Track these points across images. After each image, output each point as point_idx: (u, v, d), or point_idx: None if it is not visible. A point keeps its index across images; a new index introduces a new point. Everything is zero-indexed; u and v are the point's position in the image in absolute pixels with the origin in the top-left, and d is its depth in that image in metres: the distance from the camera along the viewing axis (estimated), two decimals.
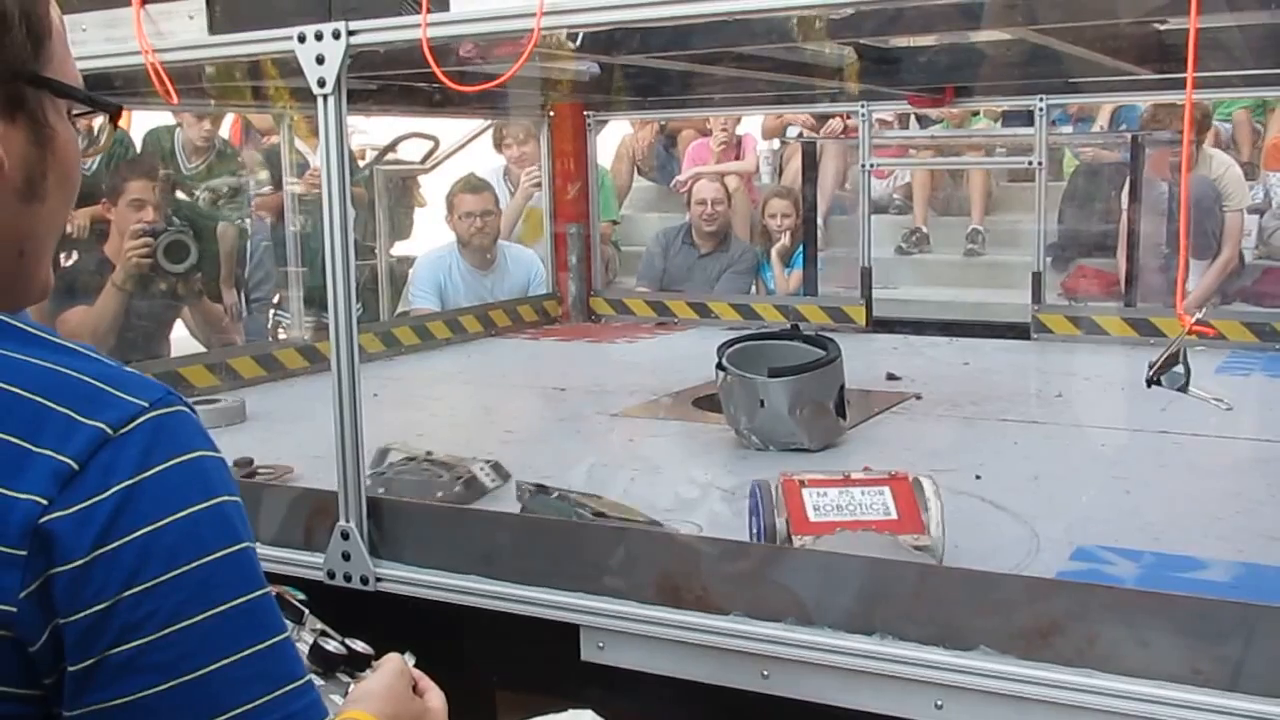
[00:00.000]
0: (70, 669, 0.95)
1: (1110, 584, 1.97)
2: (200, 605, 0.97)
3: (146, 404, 0.99)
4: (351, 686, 1.38)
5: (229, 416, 3.38)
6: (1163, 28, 3.15)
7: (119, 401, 0.98)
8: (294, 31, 2.18)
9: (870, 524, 2.10)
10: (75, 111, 1.10)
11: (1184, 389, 2.62)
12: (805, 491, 2.16)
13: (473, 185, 5.54)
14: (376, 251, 6.00)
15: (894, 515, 2.13)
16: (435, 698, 1.38)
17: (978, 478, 2.65)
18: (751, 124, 8.22)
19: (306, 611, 1.62)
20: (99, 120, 1.15)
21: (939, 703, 1.81)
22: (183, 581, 0.97)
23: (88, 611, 0.94)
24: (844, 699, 1.89)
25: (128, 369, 1.03)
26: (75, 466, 0.95)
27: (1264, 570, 2.07)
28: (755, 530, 2.17)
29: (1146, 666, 1.70)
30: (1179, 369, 2.35)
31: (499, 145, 6.69)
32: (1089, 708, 1.72)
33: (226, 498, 1.02)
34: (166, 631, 0.95)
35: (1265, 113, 7.61)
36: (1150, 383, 2.77)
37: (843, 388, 3.06)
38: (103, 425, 0.97)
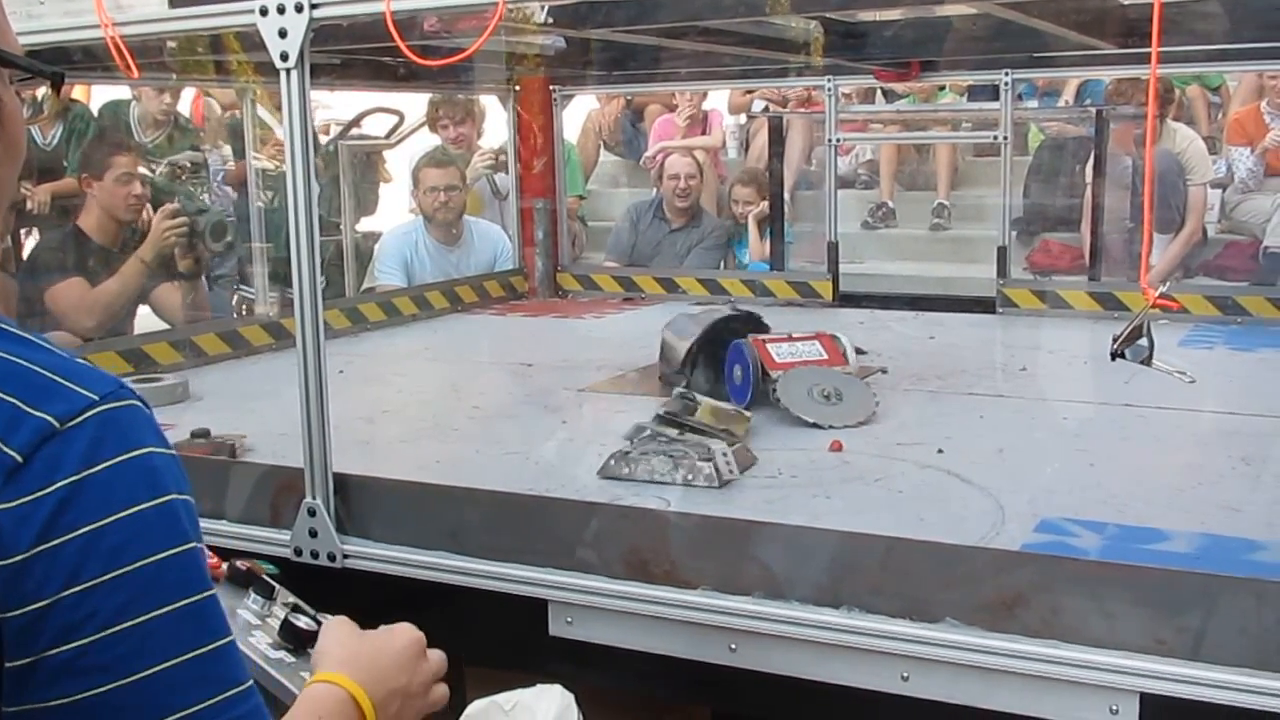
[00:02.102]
0: (9, 666, 0.92)
1: (1074, 556, 1.99)
2: (144, 606, 0.95)
3: (96, 397, 0.96)
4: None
5: (171, 396, 3.34)
6: (1126, 2, 3.16)
7: (69, 393, 0.96)
8: (256, 5, 2.16)
9: (811, 363, 3.11)
10: (17, 79, 1.07)
11: (1148, 362, 2.64)
12: (769, 345, 3.13)
13: (438, 159, 5.51)
14: (342, 227, 5.97)
15: (825, 356, 3.18)
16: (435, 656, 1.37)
17: (940, 451, 2.67)
18: (718, 99, 8.21)
19: (278, 587, 1.61)
20: (43, 89, 1.13)
21: (905, 674, 1.83)
22: (126, 581, 0.94)
23: (27, 609, 0.92)
24: (812, 671, 1.90)
25: (80, 360, 1.01)
26: (19, 459, 0.92)
27: (1226, 541, 2.10)
28: (744, 372, 3.08)
29: (1110, 637, 1.72)
30: (1143, 342, 2.37)
31: (434, 126, 6.58)
32: (1054, 678, 1.73)
33: (176, 495, 0.99)
34: (108, 632, 0.93)
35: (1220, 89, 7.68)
36: (1115, 356, 2.80)
37: None
38: (50, 418, 0.94)
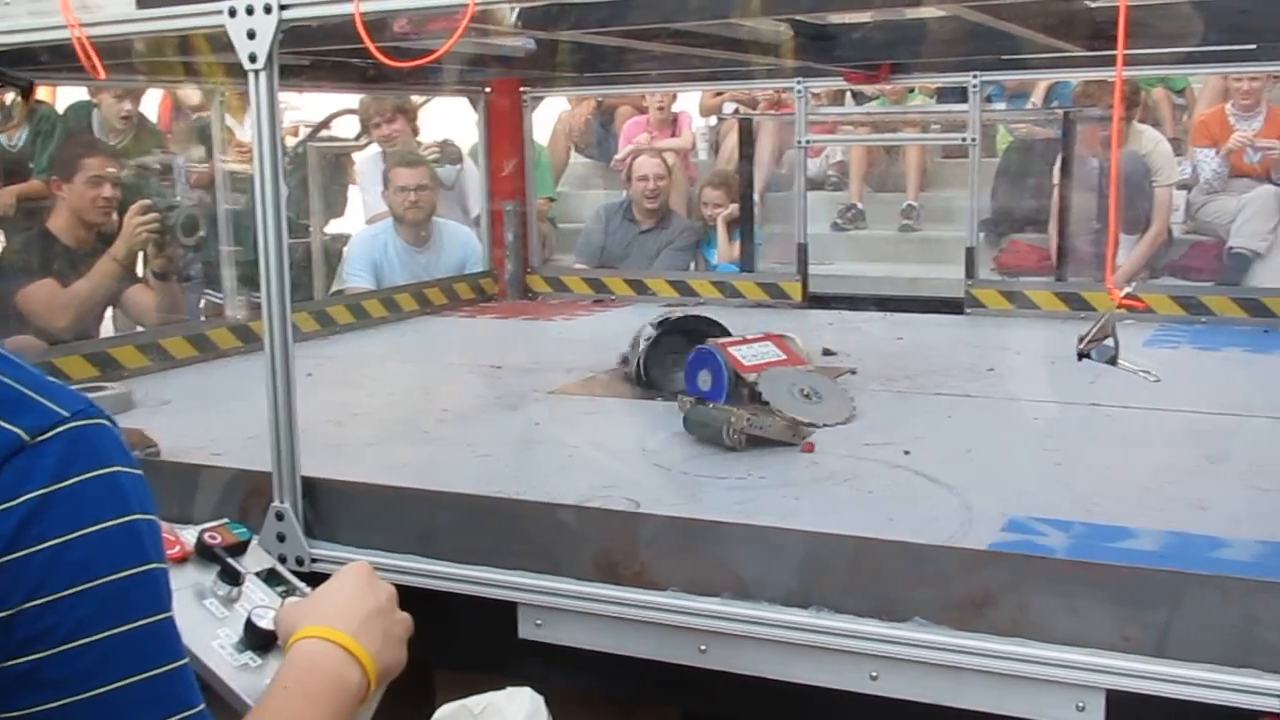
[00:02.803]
0: None
1: (1042, 554, 2.00)
2: (104, 623, 0.95)
3: (67, 414, 0.96)
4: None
5: (115, 406, 3.29)
6: (1094, 5, 3.18)
7: (40, 408, 0.96)
8: (224, 6, 2.15)
9: (774, 364, 3.11)
10: None
11: (1113, 361, 2.66)
12: (733, 349, 3.12)
13: (409, 159, 5.50)
14: (310, 229, 5.95)
15: (784, 356, 3.18)
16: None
17: (907, 452, 2.68)
18: (689, 101, 8.23)
19: (244, 571, 1.60)
20: (10, 95, 1.12)
21: (874, 674, 1.83)
22: (88, 597, 0.94)
23: None
24: (781, 672, 1.90)
25: (51, 379, 1.01)
26: None
27: (1192, 539, 2.11)
28: (714, 375, 3.05)
29: (1078, 634, 1.73)
30: (1109, 342, 2.38)
31: (367, 126, 6.56)
32: (1021, 676, 1.74)
33: (141, 515, 1.00)
34: (67, 647, 0.93)
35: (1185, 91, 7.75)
36: (1081, 355, 2.82)
37: None
38: (19, 431, 0.94)
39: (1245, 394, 3.28)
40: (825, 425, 2.88)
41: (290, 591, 1.62)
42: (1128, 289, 2.19)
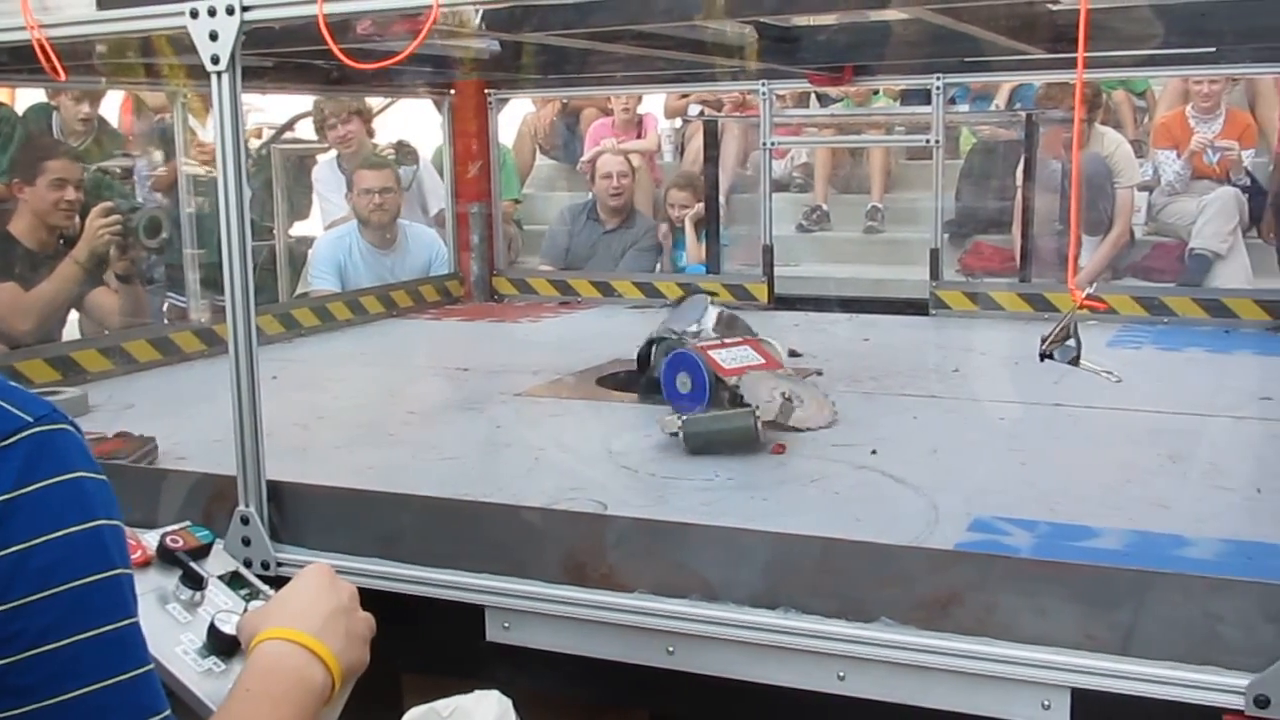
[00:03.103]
0: None
1: (1007, 554, 2.01)
2: (70, 628, 0.95)
3: (31, 419, 0.96)
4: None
5: (70, 409, 3.27)
6: (1055, 8, 3.21)
7: (2, 414, 0.96)
8: (186, 7, 2.13)
9: (753, 367, 3.07)
10: None
11: (1075, 362, 2.68)
12: (712, 353, 3.07)
13: (373, 161, 5.48)
14: (275, 232, 5.92)
15: (762, 360, 3.13)
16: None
17: (873, 453, 2.69)
18: (654, 103, 8.24)
19: (207, 576, 1.59)
20: None
21: (841, 674, 1.84)
22: (53, 603, 0.94)
23: None
24: (749, 673, 1.90)
25: (14, 384, 1.01)
26: None
27: (1155, 537, 2.13)
28: (694, 379, 3.00)
29: (1043, 633, 1.74)
30: (1071, 342, 2.40)
31: (321, 128, 6.54)
32: (987, 675, 1.75)
33: (105, 521, 0.99)
34: (34, 652, 0.93)
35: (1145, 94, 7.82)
36: (1043, 357, 2.84)
37: None
38: None
39: (1207, 394, 3.31)
40: (810, 429, 2.88)
41: (254, 594, 1.61)
42: (1089, 290, 2.21)
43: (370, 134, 6.52)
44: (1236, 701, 1.64)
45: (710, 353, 3.08)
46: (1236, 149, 6.79)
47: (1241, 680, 1.63)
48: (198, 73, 2.23)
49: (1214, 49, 4.11)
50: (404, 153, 6.36)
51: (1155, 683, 1.67)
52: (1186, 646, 1.68)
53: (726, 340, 3.19)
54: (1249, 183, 6.80)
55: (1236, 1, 3.40)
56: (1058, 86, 6.17)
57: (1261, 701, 1.62)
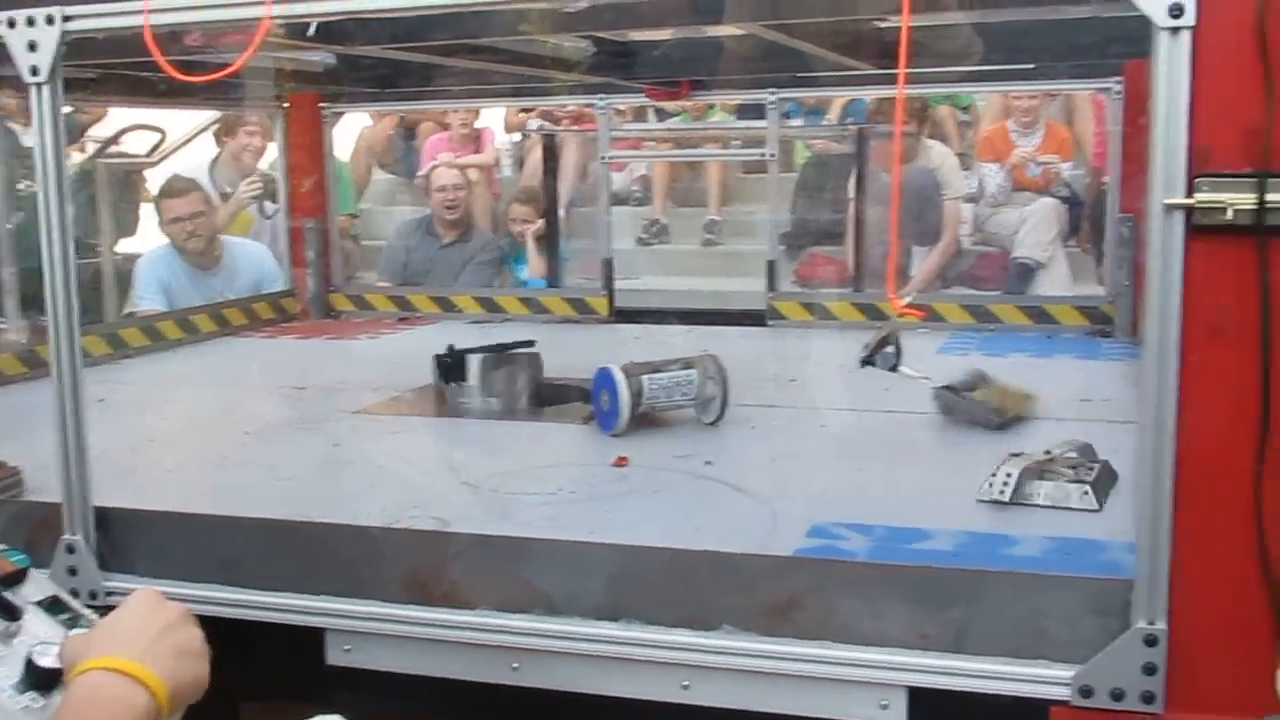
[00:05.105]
0: None
1: (845, 558, 2.06)
2: None
3: None
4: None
5: None
6: (882, 25, 3.29)
7: None
8: (4, 16, 2.06)
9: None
10: None
11: (894, 368, 2.76)
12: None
13: (176, 189, 5.25)
14: (100, 249, 5.72)
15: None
16: None
17: (708, 463, 2.72)
18: (493, 117, 8.21)
19: (24, 606, 1.51)
20: None
21: (686, 683, 1.86)
22: None
23: None
24: (594, 685, 1.91)
25: None
26: None
27: (984, 537, 2.20)
28: (614, 398, 2.98)
29: (880, 635, 1.79)
30: (890, 350, 2.47)
31: (231, 133, 6.44)
32: (827, 678, 1.79)
33: None
34: None
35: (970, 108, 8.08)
36: (864, 363, 2.92)
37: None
38: None
39: None
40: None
41: (75, 620, 1.54)
42: (909, 299, 2.28)
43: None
44: (1063, 693, 1.70)
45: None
46: (1056, 162, 7.06)
47: (1067, 672, 1.70)
48: (18, 83, 2.16)
49: (1033, 65, 4.27)
50: (269, 185, 6.16)
51: (986, 678, 1.73)
52: (1016, 642, 1.74)
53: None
54: (1068, 194, 7.07)
55: (1054, 21, 3.55)
56: (887, 101, 6.31)
57: (1086, 691, 1.69)
